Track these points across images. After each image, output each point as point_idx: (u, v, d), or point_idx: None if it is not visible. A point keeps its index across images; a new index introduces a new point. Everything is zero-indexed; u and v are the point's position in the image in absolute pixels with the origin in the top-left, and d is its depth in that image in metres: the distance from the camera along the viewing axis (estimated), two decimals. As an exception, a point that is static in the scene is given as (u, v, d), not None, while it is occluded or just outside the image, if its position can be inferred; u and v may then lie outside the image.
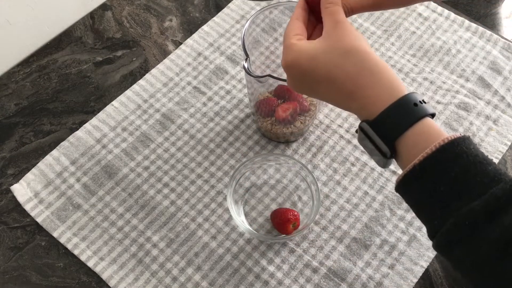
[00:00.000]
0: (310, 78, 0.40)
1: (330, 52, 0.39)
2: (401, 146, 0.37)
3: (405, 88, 0.38)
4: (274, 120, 0.60)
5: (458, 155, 0.34)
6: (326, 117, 0.65)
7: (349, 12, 0.43)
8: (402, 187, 0.37)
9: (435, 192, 0.35)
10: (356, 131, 0.40)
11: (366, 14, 0.73)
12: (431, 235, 0.36)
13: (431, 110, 0.37)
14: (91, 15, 0.74)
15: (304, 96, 0.59)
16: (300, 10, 0.44)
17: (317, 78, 0.40)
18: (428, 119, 0.37)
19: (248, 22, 0.53)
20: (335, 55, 0.39)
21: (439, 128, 0.37)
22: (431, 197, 0.35)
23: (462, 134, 0.36)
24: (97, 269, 0.55)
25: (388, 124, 0.37)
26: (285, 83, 0.46)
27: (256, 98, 0.60)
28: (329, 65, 0.39)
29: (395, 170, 0.61)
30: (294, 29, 0.43)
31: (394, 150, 0.37)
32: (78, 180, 0.60)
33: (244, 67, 0.49)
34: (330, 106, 0.66)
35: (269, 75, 0.49)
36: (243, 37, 0.52)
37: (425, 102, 0.37)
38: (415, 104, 0.36)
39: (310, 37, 0.45)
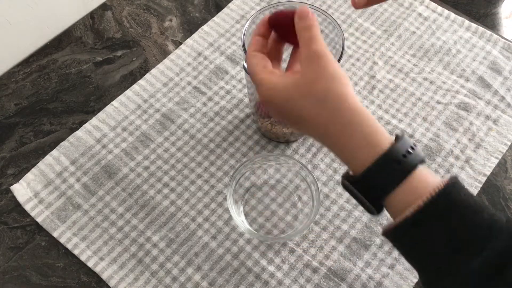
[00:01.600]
0: (288, 117, 0.39)
1: (304, 98, 0.36)
2: (389, 203, 0.34)
3: (385, 137, 0.35)
4: (274, 120, 0.59)
5: (450, 206, 0.32)
6: (326, 117, 0.65)
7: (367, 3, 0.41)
8: (392, 236, 0.35)
9: (429, 246, 0.33)
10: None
11: (366, 14, 0.73)
12: (426, 284, 0.34)
13: (420, 157, 0.34)
14: (91, 15, 0.74)
15: None
16: (258, 38, 0.41)
17: (294, 119, 0.38)
18: (418, 170, 0.34)
19: (248, 22, 0.53)
20: (309, 102, 0.36)
21: (429, 176, 0.34)
22: (424, 250, 0.33)
23: (450, 178, 0.33)
24: (97, 269, 0.55)
25: (372, 185, 0.34)
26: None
27: (256, 98, 0.60)
28: (304, 111, 0.37)
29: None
30: (258, 62, 0.40)
31: (381, 207, 0.35)
32: (78, 180, 0.60)
33: (244, 67, 0.49)
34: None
35: None
36: (243, 37, 0.52)
37: (414, 147, 0.34)
38: (403, 156, 0.33)
39: (288, 63, 0.42)
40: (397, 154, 0.33)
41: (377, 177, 0.34)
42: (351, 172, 0.37)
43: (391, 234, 0.34)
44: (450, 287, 0.32)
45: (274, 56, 0.42)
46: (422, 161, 0.35)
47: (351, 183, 0.35)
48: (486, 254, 0.31)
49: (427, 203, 0.32)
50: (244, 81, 0.68)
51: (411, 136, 0.64)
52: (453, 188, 0.33)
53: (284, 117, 0.39)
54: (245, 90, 0.67)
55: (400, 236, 0.34)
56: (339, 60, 0.50)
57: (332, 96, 0.35)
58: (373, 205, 0.35)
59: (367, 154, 0.34)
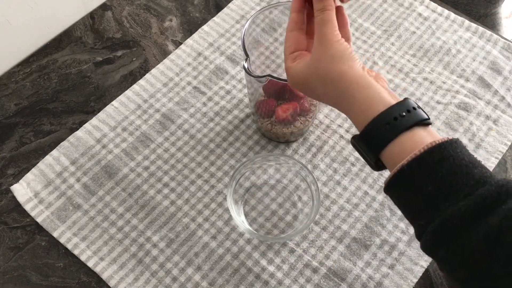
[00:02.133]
0: (311, 95, 0.46)
1: (314, 80, 0.42)
2: (385, 159, 0.39)
3: (383, 103, 0.39)
4: (274, 120, 0.60)
5: (445, 157, 0.35)
6: (326, 117, 0.65)
7: None
8: (391, 188, 0.38)
9: (422, 193, 0.36)
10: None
11: (366, 14, 0.73)
12: (418, 235, 0.37)
13: (417, 119, 0.38)
14: (91, 15, 0.74)
15: (306, 97, 0.59)
16: (294, 15, 0.45)
17: (315, 97, 0.45)
18: (415, 130, 0.38)
19: (248, 22, 0.53)
20: (318, 83, 0.42)
21: (427, 135, 0.37)
22: (418, 198, 0.36)
23: (451, 138, 0.36)
24: (97, 269, 0.55)
25: (370, 140, 0.39)
26: (286, 83, 0.47)
27: (256, 98, 0.60)
28: (317, 90, 0.43)
29: (395, 170, 0.61)
30: (289, 46, 0.45)
31: (381, 164, 0.40)
32: (78, 180, 0.60)
33: (244, 67, 0.49)
34: (330, 106, 0.66)
35: (269, 75, 0.49)
36: (243, 37, 0.52)
37: (412, 110, 0.38)
38: (394, 118, 0.38)
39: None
40: (387, 116, 0.38)
41: (371, 137, 0.39)
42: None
43: (387, 186, 0.38)
44: (437, 231, 0.35)
45: (312, 29, 0.45)
46: (419, 123, 0.38)
47: (355, 140, 0.41)
48: (472, 198, 0.33)
49: (421, 153, 0.36)
50: (244, 81, 0.68)
51: (411, 136, 0.64)
52: (450, 144, 0.36)
53: (309, 96, 0.47)
54: (245, 90, 0.67)
55: (394, 187, 0.38)
56: None
57: (332, 76, 0.41)
58: (374, 161, 0.40)
59: (364, 118, 0.39)
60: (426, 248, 0.37)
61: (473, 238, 0.33)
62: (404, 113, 0.38)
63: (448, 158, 0.35)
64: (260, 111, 0.60)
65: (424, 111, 0.39)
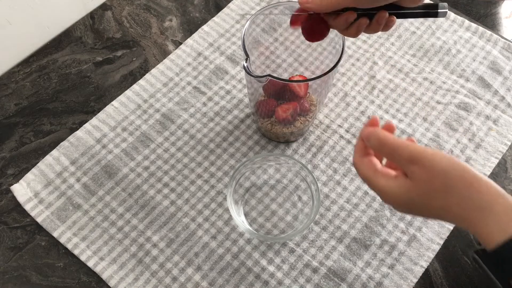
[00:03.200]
0: (415, 213, 0.39)
1: (426, 197, 0.37)
2: None
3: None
4: (274, 120, 0.60)
5: None
6: (326, 117, 0.65)
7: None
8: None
9: None
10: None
11: (366, 14, 0.73)
12: None
13: None
14: (91, 15, 0.74)
15: (306, 97, 0.59)
16: (360, 143, 0.41)
17: (422, 214, 0.39)
18: None
19: (248, 22, 0.53)
20: (432, 199, 0.36)
21: None
22: None
23: None
24: (97, 269, 0.55)
25: (502, 262, 0.34)
26: (286, 83, 0.46)
27: (256, 98, 0.60)
28: (428, 208, 0.37)
29: (395, 170, 0.61)
30: (367, 167, 0.40)
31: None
32: (78, 180, 0.60)
33: (244, 67, 0.49)
34: (330, 106, 0.66)
35: (269, 75, 0.49)
36: (243, 37, 0.51)
37: None
38: None
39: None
40: None
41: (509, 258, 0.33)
42: (480, 246, 0.37)
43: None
44: None
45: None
46: None
47: (480, 256, 0.36)
48: None
49: None
50: (244, 81, 0.68)
51: (411, 136, 0.64)
52: None
53: (410, 213, 0.40)
54: (245, 90, 0.67)
55: None
56: (338, 60, 0.50)
57: (454, 185, 0.35)
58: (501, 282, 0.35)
59: (501, 233, 0.34)
60: None
61: None
62: None
63: None
64: (260, 111, 0.60)
65: None
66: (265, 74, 0.49)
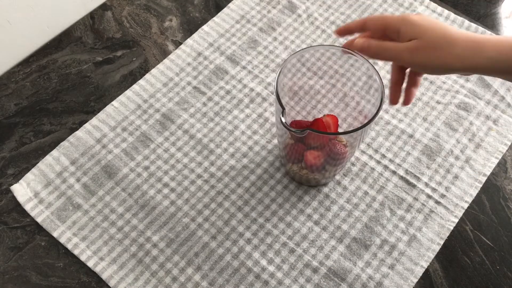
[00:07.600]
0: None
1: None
2: None
3: None
4: (302, 165, 0.56)
5: None
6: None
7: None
8: None
9: None
10: None
11: (366, 14, 0.73)
12: None
13: None
14: (91, 15, 0.74)
15: (335, 138, 0.55)
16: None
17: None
18: None
19: (280, 70, 0.48)
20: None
21: None
22: None
23: None
24: (97, 269, 0.55)
25: None
26: (324, 135, 0.45)
27: (286, 141, 0.56)
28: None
29: (395, 170, 0.61)
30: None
31: None
32: (78, 180, 0.60)
33: (281, 122, 0.44)
34: (330, 106, 0.66)
35: (309, 128, 0.45)
36: (276, 85, 0.46)
37: None
38: None
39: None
40: None
41: None
42: None
43: None
44: None
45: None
46: None
47: None
48: None
49: None
50: (244, 81, 0.68)
51: (411, 136, 0.64)
52: None
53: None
54: (245, 90, 0.67)
55: None
56: (379, 109, 0.48)
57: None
58: None
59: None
60: None
61: None
62: None
63: None
64: (289, 155, 0.57)
65: None
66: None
